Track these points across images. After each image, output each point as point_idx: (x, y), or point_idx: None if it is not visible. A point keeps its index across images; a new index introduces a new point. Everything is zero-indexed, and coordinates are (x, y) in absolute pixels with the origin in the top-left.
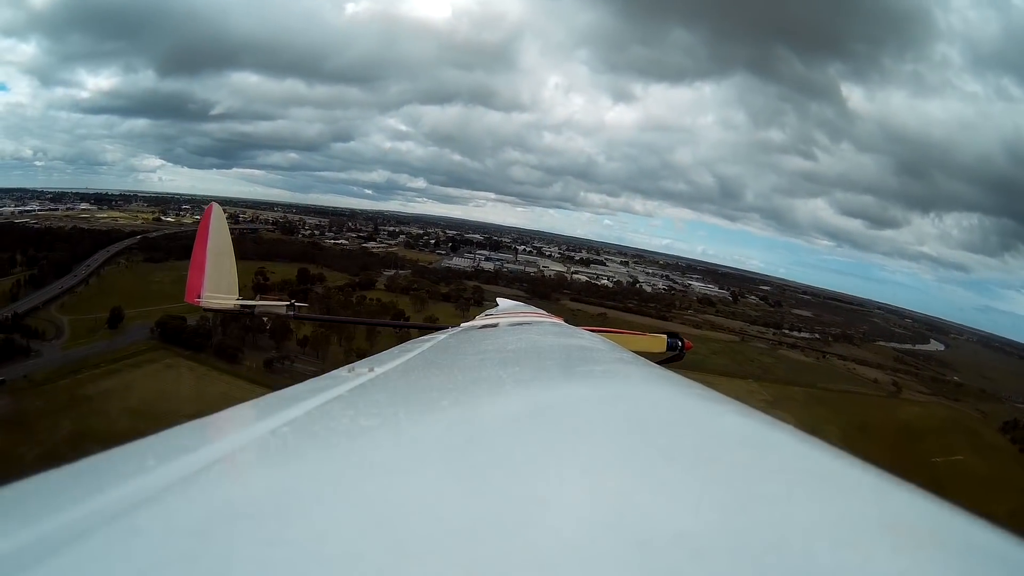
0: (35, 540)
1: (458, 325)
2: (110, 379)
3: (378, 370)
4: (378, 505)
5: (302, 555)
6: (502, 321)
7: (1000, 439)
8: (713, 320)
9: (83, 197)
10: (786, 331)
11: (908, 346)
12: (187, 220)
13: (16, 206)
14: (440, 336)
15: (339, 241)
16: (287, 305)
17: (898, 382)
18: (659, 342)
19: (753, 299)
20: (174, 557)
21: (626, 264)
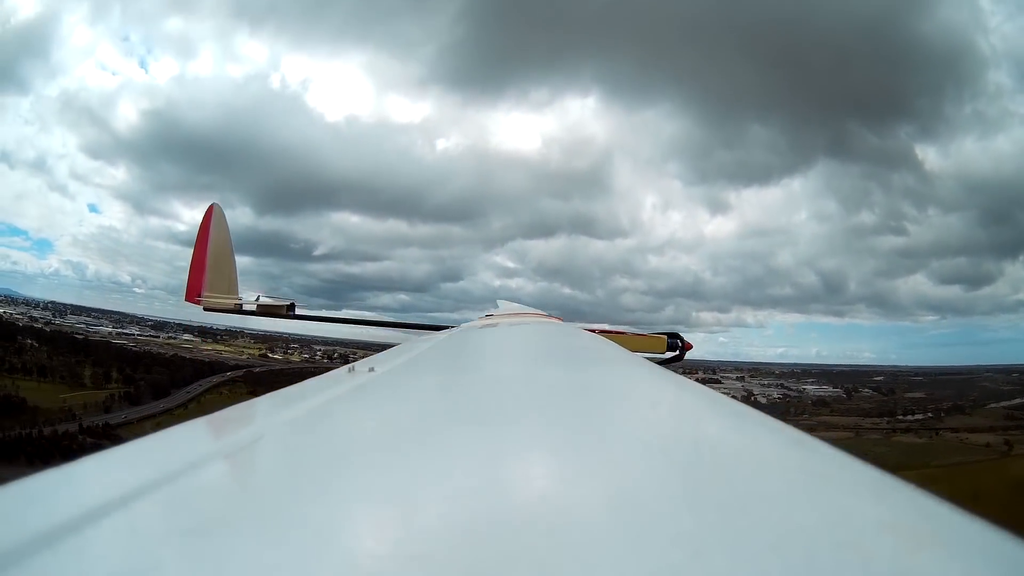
0: (35, 539)
1: (458, 326)
2: None
3: (378, 370)
4: (378, 505)
5: (302, 555)
6: (502, 321)
7: None
8: (828, 420)
9: (186, 328)
10: (899, 417)
11: (1018, 400)
12: (295, 358)
13: (115, 327)
14: (440, 336)
15: None
16: (287, 306)
17: (1009, 440)
18: (659, 342)
19: (867, 392)
20: (174, 557)
21: (742, 379)
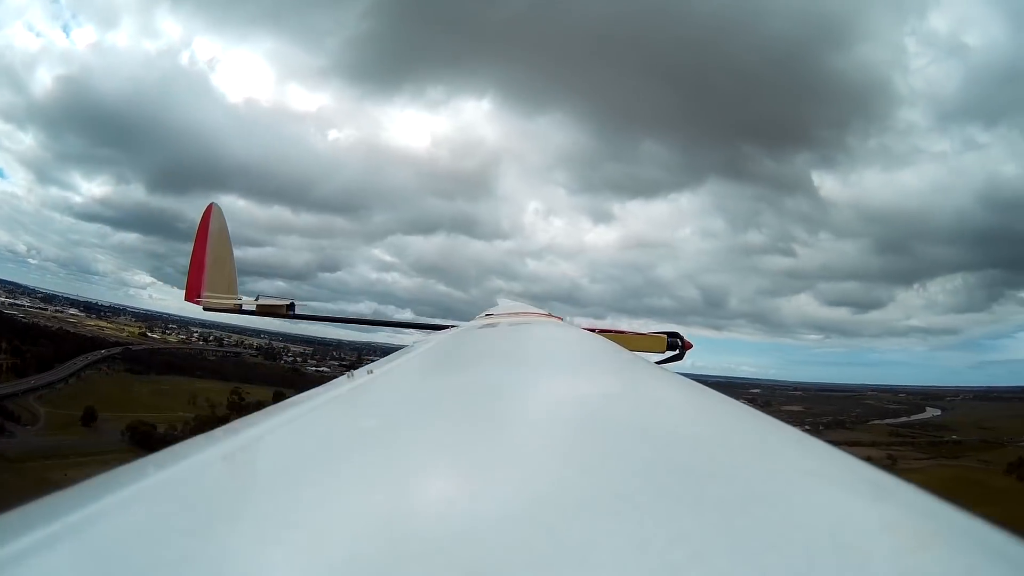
0: (35, 539)
1: (458, 326)
2: (77, 470)
3: (377, 372)
4: (378, 505)
5: (302, 555)
6: (502, 320)
7: (1007, 481)
8: None
9: (73, 302)
10: None
11: (903, 419)
12: (172, 338)
13: (7, 297)
14: (440, 336)
15: (320, 368)
16: (287, 305)
17: (892, 455)
18: (659, 342)
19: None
20: (174, 557)
21: None
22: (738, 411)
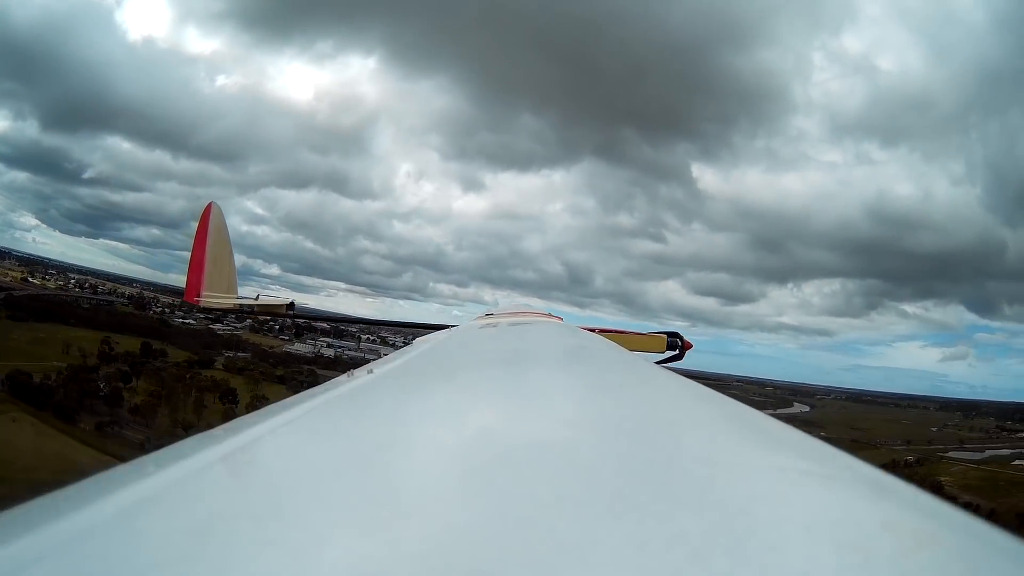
0: (35, 540)
1: (458, 325)
2: None
3: (377, 371)
4: (378, 505)
5: (302, 555)
6: (502, 320)
7: None
8: None
9: None
10: None
11: (768, 411)
12: (51, 284)
13: None
14: (440, 336)
15: (187, 321)
16: (287, 305)
17: None
18: (659, 342)
19: None
20: (174, 557)
21: None
22: (738, 411)
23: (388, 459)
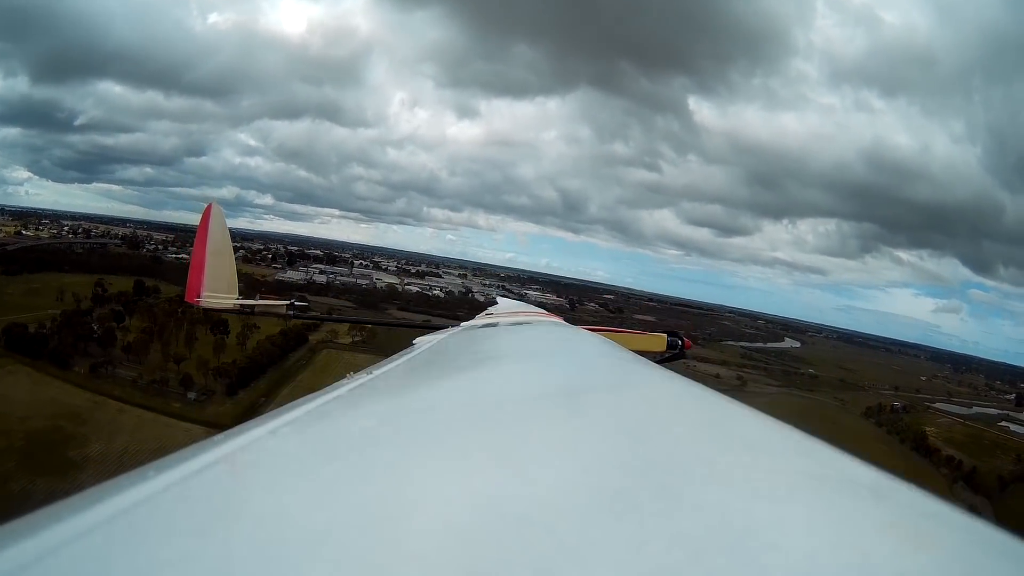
0: (35, 540)
1: (457, 325)
2: None
3: (377, 372)
4: (378, 505)
5: (302, 555)
6: (502, 321)
7: (863, 423)
8: None
9: None
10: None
11: (759, 344)
12: (44, 234)
13: None
14: (440, 336)
15: (180, 256)
16: (287, 305)
17: (743, 376)
18: (659, 341)
19: (592, 306)
20: (174, 557)
21: (464, 276)
22: (738, 411)
23: (388, 459)
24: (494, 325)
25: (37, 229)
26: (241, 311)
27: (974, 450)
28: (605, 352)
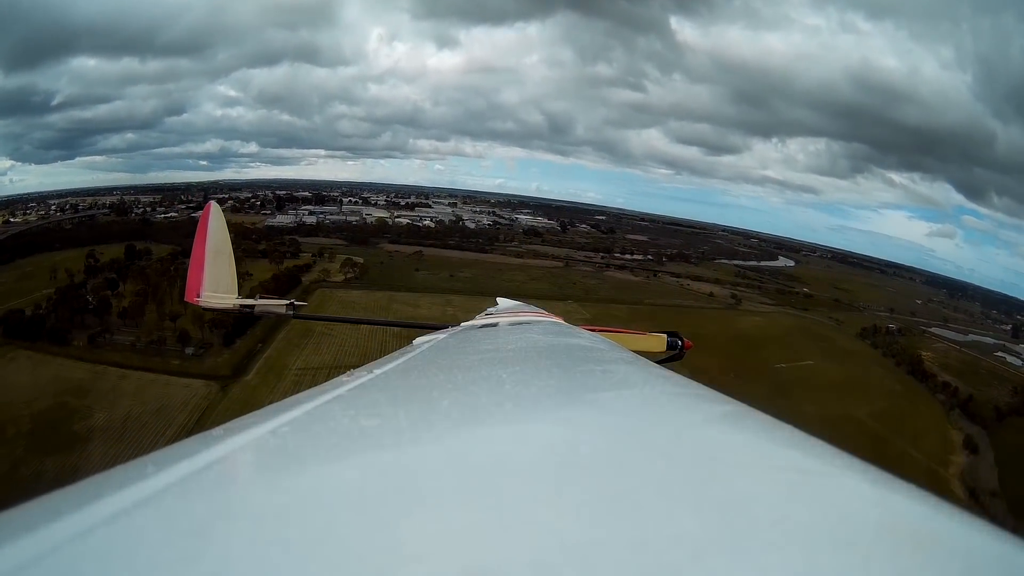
0: (35, 540)
1: (458, 324)
2: None
3: (377, 371)
4: (378, 505)
5: (302, 555)
6: (502, 321)
7: (858, 344)
8: (537, 249)
9: None
10: (616, 255)
11: (752, 263)
12: (32, 218)
13: None
14: (440, 336)
15: (169, 215)
16: (287, 304)
17: (737, 295)
18: (659, 341)
19: (584, 228)
20: (174, 557)
21: (454, 205)
22: (738, 411)
23: (388, 459)
24: (494, 325)
25: (25, 214)
26: (241, 311)
27: (971, 378)
28: (605, 352)
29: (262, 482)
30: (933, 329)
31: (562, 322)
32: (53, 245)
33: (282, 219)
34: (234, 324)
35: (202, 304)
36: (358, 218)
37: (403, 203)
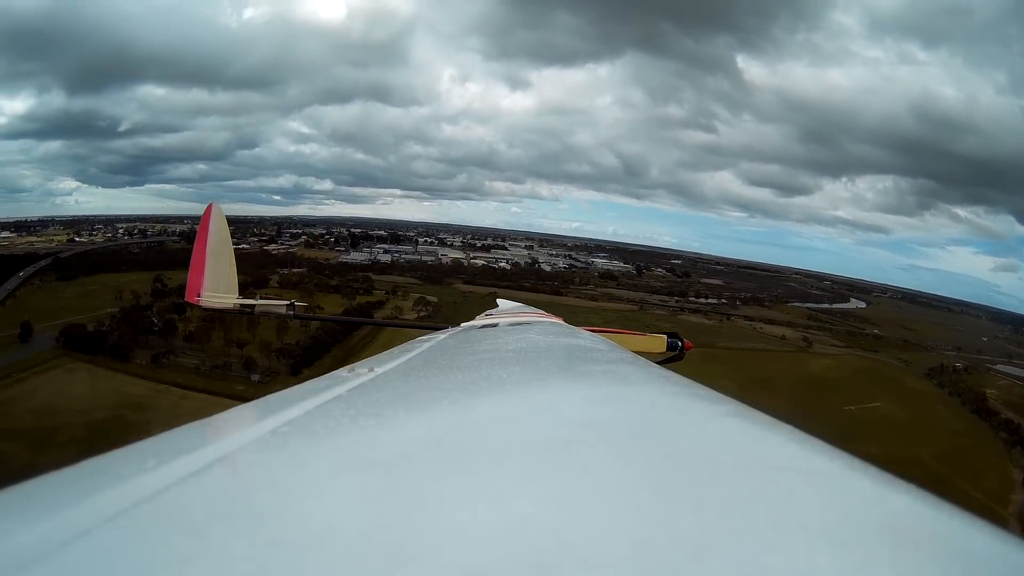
0: (35, 540)
1: (458, 325)
2: (18, 387)
3: (378, 370)
4: (378, 505)
5: (302, 555)
6: (502, 321)
7: (925, 384)
8: (612, 292)
9: (3, 225)
10: (691, 298)
11: (825, 305)
12: (98, 239)
13: None
14: (440, 336)
15: (240, 246)
16: (287, 305)
17: (808, 337)
18: (659, 342)
19: (660, 271)
20: (174, 557)
21: (530, 248)
22: (738, 411)
23: (388, 459)
24: (494, 326)
25: (91, 235)
26: (241, 311)
27: None
28: (605, 353)
29: (262, 482)
30: (998, 366)
31: (562, 322)
32: (119, 266)
33: (356, 256)
34: (302, 354)
35: (202, 304)
36: (433, 258)
37: (479, 244)
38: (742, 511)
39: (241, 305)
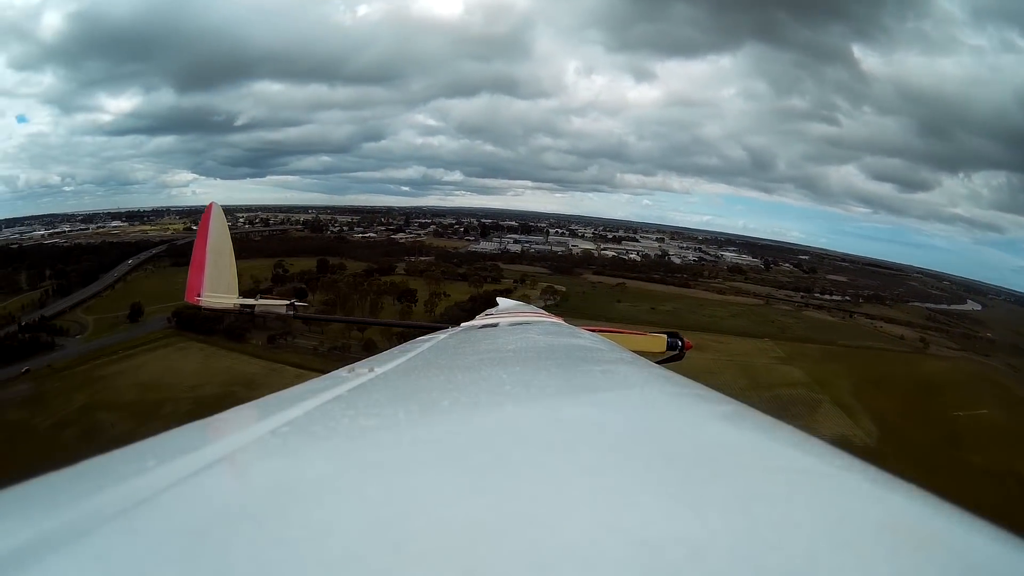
0: (35, 540)
1: (458, 325)
2: (125, 362)
3: (378, 370)
4: (378, 505)
5: (302, 555)
6: (502, 321)
7: None
8: (740, 286)
9: (115, 216)
10: (816, 295)
11: (943, 306)
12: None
13: (46, 230)
14: (440, 336)
15: (367, 235)
16: (287, 305)
17: (925, 338)
18: (659, 342)
19: (787, 267)
20: (174, 557)
21: (660, 240)
22: (738, 410)
23: (388, 459)
24: (494, 325)
25: None
26: (241, 311)
27: None
28: (605, 352)
29: (262, 482)
30: None
31: (562, 322)
32: (239, 254)
33: (485, 246)
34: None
35: (202, 304)
36: (563, 248)
37: (610, 236)
38: (742, 511)
39: (241, 305)
